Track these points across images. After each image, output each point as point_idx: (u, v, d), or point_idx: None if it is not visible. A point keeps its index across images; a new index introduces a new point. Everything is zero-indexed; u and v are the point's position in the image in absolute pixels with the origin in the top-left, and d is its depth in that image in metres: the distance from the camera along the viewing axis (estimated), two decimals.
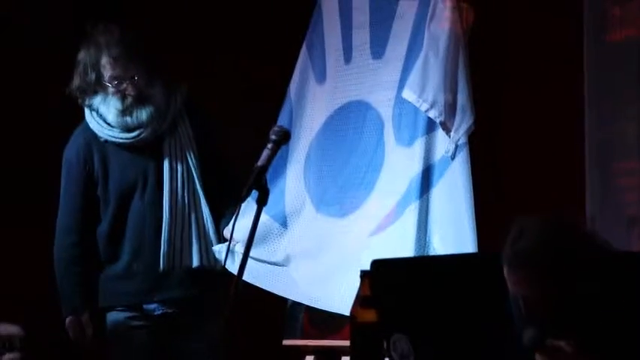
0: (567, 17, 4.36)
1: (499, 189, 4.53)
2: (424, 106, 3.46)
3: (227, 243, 3.68)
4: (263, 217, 3.33)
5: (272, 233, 3.77)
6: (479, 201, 3.42)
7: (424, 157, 3.49)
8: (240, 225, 3.20)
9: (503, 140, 4.55)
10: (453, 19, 3.46)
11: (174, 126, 3.88)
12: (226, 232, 3.79)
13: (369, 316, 2.81)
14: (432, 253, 3.42)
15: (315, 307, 3.65)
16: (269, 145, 3.29)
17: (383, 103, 3.65)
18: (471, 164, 3.44)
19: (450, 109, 3.46)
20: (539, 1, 4.48)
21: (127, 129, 3.84)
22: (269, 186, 3.41)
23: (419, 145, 3.50)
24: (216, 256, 3.83)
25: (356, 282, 2.92)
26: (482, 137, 3.55)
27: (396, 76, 3.60)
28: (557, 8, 4.39)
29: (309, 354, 3.76)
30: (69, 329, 3.86)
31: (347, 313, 3.18)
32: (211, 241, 3.87)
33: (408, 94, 3.49)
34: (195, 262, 3.82)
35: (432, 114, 3.45)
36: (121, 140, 3.83)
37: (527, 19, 4.54)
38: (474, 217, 3.39)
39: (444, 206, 3.45)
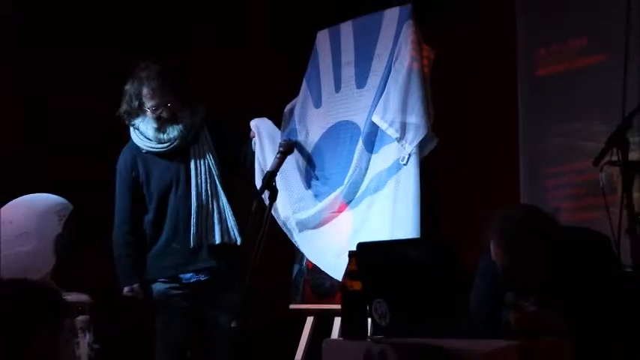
0: (505, 57, 4.74)
1: (446, 187, 4.93)
2: (384, 126, 3.80)
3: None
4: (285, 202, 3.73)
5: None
6: (427, 194, 3.72)
7: (385, 161, 3.82)
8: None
9: (454, 151, 4.84)
10: (411, 58, 3.76)
11: (196, 136, 4.28)
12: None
13: (356, 285, 3.06)
14: (388, 231, 3.71)
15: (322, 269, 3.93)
16: (278, 155, 3.82)
17: (363, 122, 3.96)
18: (422, 168, 3.75)
19: (405, 127, 3.74)
20: (485, 45, 4.90)
21: (162, 142, 4.26)
22: (279, 187, 3.79)
23: (382, 152, 3.83)
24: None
25: (344, 255, 3.24)
26: (436, 149, 3.85)
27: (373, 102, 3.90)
28: (497, 50, 4.85)
29: (310, 315, 4.13)
30: (127, 296, 4.23)
31: (338, 277, 3.67)
32: (229, 223, 4.21)
33: (374, 117, 3.84)
34: (218, 240, 4.21)
35: (390, 132, 3.78)
36: (157, 150, 4.27)
37: (476, 59, 4.96)
38: (420, 206, 3.69)
39: (398, 197, 3.74)
